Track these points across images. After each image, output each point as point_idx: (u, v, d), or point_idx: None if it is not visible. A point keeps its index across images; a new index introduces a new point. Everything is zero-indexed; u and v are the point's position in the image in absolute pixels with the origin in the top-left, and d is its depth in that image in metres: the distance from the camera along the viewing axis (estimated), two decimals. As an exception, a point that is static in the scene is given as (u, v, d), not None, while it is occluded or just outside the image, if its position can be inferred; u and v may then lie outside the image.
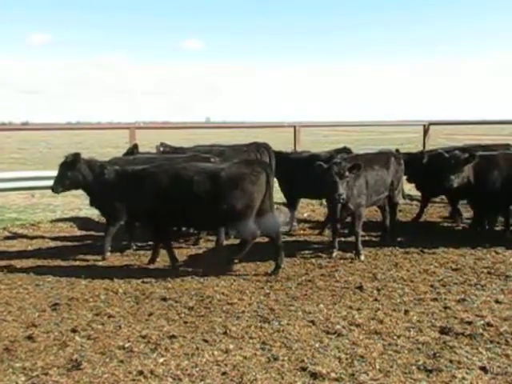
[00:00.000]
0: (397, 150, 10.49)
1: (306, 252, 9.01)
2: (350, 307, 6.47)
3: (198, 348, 5.44)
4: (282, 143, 15.02)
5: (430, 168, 10.19)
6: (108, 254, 9.01)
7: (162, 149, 10.76)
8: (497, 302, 6.56)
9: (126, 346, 5.53)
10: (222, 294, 7.06)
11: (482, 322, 5.88)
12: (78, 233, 10.91)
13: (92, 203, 9.30)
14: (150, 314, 6.43)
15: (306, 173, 10.01)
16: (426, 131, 14.57)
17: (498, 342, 5.38)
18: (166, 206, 7.96)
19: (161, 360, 5.21)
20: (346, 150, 10.68)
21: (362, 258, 8.50)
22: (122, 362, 5.19)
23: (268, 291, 7.14)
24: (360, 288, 7.12)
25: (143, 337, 5.74)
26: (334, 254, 8.71)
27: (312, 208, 12.92)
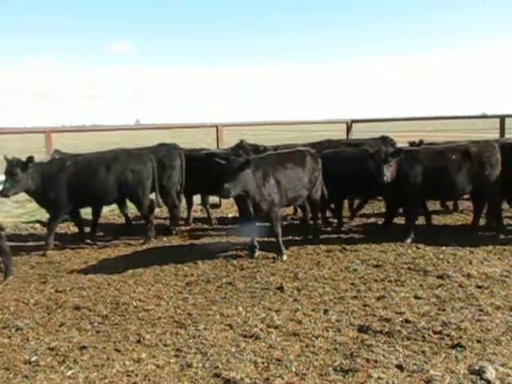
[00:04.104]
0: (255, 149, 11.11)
1: (229, 253, 8.82)
2: (269, 309, 6.32)
3: (108, 358, 5.18)
4: (210, 143, 14.88)
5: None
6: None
7: (57, 156, 10.45)
8: (416, 297, 6.55)
9: (33, 359, 5.23)
10: (139, 300, 6.80)
11: (401, 318, 5.84)
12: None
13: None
14: (61, 325, 6.12)
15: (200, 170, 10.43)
16: (348, 128, 14.75)
17: (415, 339, 5.33)
18: None
19: (68, 373, 4.94)
20: (242, 147, 10.87)
21: (285, 257, 8.39)
22: (26, 377, 4.92)
23: (186, 295, 6.92)
24: (280, 288, 6.99)
25: (51, 349, 5.44)
26: (256, 254, 8.57)
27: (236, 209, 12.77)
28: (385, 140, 12.03)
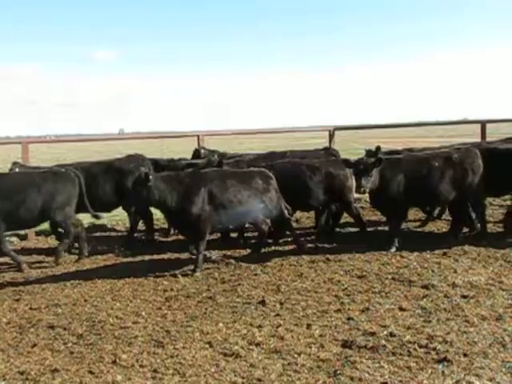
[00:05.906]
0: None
1: (210, 266, 8.59)
2: (251, 324, 6.11)
3: (81, 382, 4.95)
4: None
5: None
6: None
7: (17, 169, 10.17)
8: (400, 309, 6.37)
9: (0, 385, 4.98)
10: (116, 317, 6.58)
11: (385, 332, 5.66)
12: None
13: None
14: (34, 346, 5.88)
15: None
16: (331, 136, 14.59)
17: (401, 354, 5.15)
18: None
19: (38, 399, 4.71)
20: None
21: (198, 273, 8.27)
22: (-7, 405, 4.67)
23: (166, 312, 6.71)
24: (262, 302, 6.78)
25: (21, 373, 5.20)
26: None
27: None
28: (327, 151, 12.01)
